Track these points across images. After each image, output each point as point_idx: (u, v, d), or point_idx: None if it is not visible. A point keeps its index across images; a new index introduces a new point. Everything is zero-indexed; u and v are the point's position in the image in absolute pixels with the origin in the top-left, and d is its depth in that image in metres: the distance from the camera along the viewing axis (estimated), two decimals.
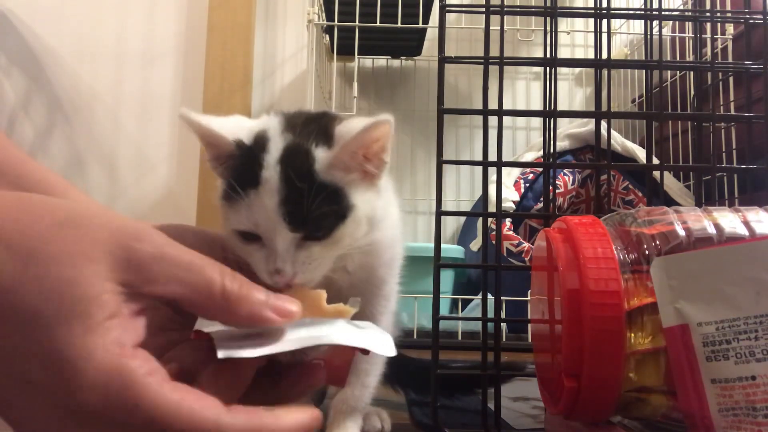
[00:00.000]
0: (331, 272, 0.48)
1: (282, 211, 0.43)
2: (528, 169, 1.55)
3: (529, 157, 1.57)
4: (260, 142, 0.46)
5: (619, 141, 1.51)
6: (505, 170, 1.42)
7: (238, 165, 0.46)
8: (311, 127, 0.47)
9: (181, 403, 0.30)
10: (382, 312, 0.57)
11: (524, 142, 1.92)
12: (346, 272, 0.51)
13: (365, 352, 0.38)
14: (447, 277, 1.52)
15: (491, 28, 0.64)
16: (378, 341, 0.38)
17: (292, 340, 0.35)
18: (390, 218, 0.54)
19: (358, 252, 0.50)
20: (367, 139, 0.46)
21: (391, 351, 0.38)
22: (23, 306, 0.29)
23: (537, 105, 1.94)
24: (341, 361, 0.39)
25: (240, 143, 0.46)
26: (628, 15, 1.22)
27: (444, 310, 1.49)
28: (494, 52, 0.65)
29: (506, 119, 0.66)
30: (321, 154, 0.45)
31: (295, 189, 0.43)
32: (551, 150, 0.68)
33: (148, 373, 0.30)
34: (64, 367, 0.28)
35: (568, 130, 1.56)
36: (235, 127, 0.47)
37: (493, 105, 0.64)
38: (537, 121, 1.88)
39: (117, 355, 0.29)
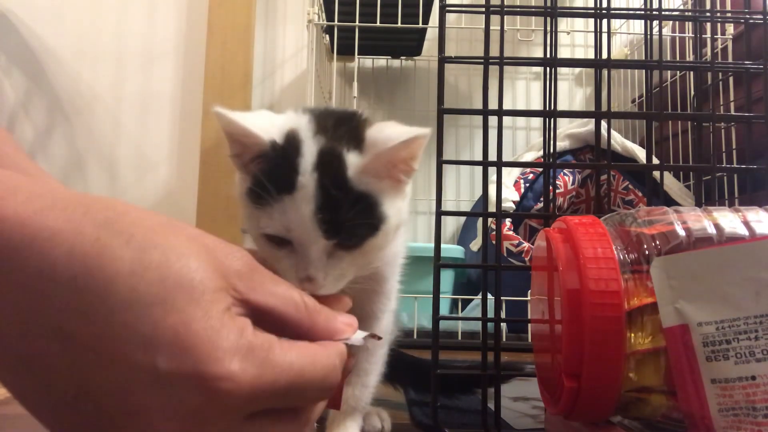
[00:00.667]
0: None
1: (318, 218, 0.42)
2: (528, 169, 1.55)
3: (529, 157, 1.57)
4: (293, 143, 0.45)
5: (619, 141, 1.51)
6: (505, 170, 1.43)
7: (272, 167, 0.44)
8: (342, 130, 0.46)
9: (299, 352, 0.31)
10: (382, 310, 0.56)
11: (524, 142, 1.93)
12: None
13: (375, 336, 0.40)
14: (447, 277, 1.52)
15: (491, 28, 0.64)
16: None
17: None
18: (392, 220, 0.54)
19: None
20: (403, 152, 0.46)
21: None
22: (146, 290, 0.28)
23: (537, 105, 1.94)
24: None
25: (275, 144, 0.45)
26: (628, 15, 1.22)
27: (444, 310, 1.49)
28: (494, 52, 0.65)
29: (506, 119, 0.66)
30: (353, 160, 0.44)
31: (331, 197, 0.43)
32: (551, 150, 0.68)
33: (272, 345, 0.30)
34: (203, 352, 0.28)
35: (568, 130, 1.56)
36: (267, 125, 0.46)
37: (493, 105, 0.64)
38: (537, 121, 1.88)
39: (246, 335, 0.29)
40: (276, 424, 0.32)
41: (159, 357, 0.27)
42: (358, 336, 0.37)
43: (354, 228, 0.43)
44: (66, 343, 0.27)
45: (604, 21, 0.68)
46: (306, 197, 0.42)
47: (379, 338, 0.38)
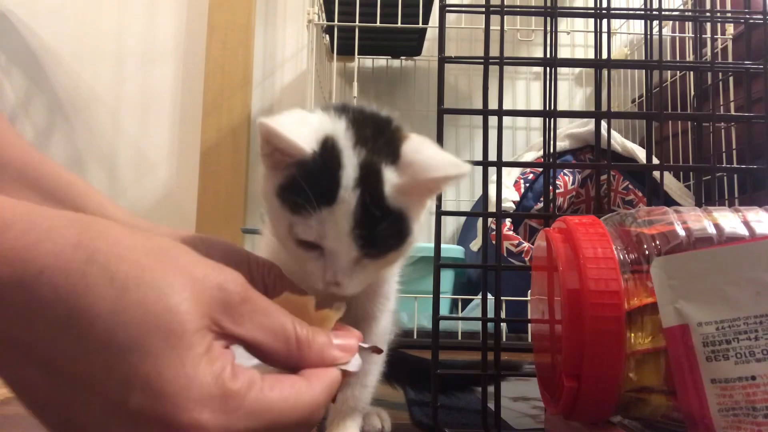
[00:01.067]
0: None
1: (355, 233, 0.43)
2: (528, 169, 1.55)
3: (529, 157, 1.57)
4: (333, 153, 0.44)
5: (619, 141, 1.51)
6: (505, 170, 1.42)
7: (312, 176, 0.44)
8: (381, 142, 0.46)
9: (282, 398, 0.31)
10: (381, 310, 0.56)
11: (524, 142, 1.92)
12: None
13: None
14: (447, 277, 1.52)
15: (491, 28, 0.64)
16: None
17: None
18: None
19: None
20: (437, 182, 0.46)
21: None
22: (123, 332, 0.28)
23: (537, 105, 1.94)
24: None
25: (315, 154, 0.44)
26: (628, 15, 1.22)
27: (444, 310, 1.49)
28: (494, 52, 0.65)
29: (506, 119, 0.66)
30: (390, 177, 0.44)
31: (369, 213, 0.43)
32: (551, 150, 0.68)
33: (249, 387, 0.31)
34: (173, 399, 0.28)
35: (568, 130, 1.56)
36: (306, 133, 0.45)
37: (493, 105, 0.64)
38: (537, 121, 1.88)
39: (222, 381, 0.29)
40: None
41: (132, 398, 0.28)
42: (354, 362, 0.37)
43: (384, 242, 0.45)
44: (54, 376, 0.28)
45: (604, 21, 0.68)
46: (346, 212, 0.43)
47: (380, 351, 0.40)
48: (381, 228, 0.44)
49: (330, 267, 0.44)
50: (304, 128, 0.46)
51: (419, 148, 0.46)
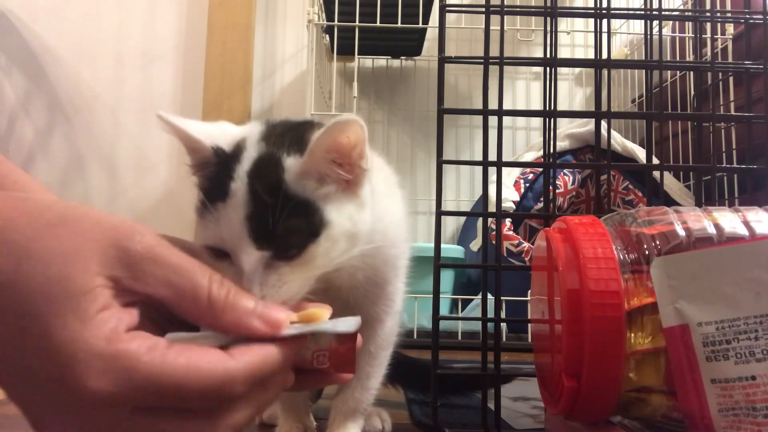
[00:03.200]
0: (332, 273, 0.46)
1: (247, 226, 0.40)
2: (528, 169, 1.55)
3: (529, 157, 1.57)
4: (237, 151, 0.43)
5: (619, 141, 1.51)
6: (505, 170, 1.42)
7: (212, 175, 0.43)
8: (288, 136, 0.44)
9: (188, 365, 0.31)
10: (386, 312, 0.56)
11: (524, 142, 1.93)
12: (348, 275, 0.50)
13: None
14: (447, 277, 1.52)
15: (491, 28, 0.64)
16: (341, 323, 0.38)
17: None
18: (391, 217, 0.53)
19: (361, 256, 0.48)
20: (332, 141, 0.42)
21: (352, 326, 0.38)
22: (18, 302, 0.30)
23: (537, 105, 1.94)
24: (345, 348, 0.39)
25: (218, 150, 0.43)
26: (628, 15, 1.22)
27: (444, 310, 1.49)
28: (494, 52, 0.65)
29: (506, 119, 0.66)
30: (291, 163, 0.42)
31: (261, 203, 0.40)
32: (551, 150, 0.68)
33: (148, 350, 0.31)
34: (65, 361, 0.29)
35: (568, 130, 1.56)
36: (218, 134, 0.45)
37: (493, 105, 0.64)
38: (537, 121, 1.88)
39: (115, 341, 0.30)
40: (169, 419, 0.32)
41: (41, 368, 0.30)
42: (293, 329, 0.36)
43: (288, 236, 0.41)
44: None
45: (604, 21, 0.68)
46: (236, 204, 0.40)
47: (351, 337, 0.38)
48: (277, 219, 0.40)
49: (237, 275, 0.41)
50: (214, 129, 0.45)
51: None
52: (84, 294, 0.30)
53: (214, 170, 0.43)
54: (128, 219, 0.34)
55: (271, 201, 0.40)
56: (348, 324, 0.38)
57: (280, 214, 0.40)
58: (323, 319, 0.40)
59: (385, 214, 0.51)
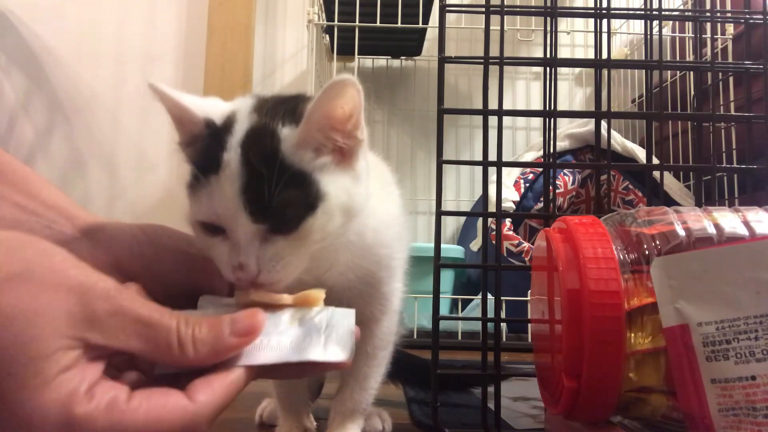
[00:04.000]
0: (317, 272, 0.46)
1: (242, 198, 0.39)
2: (528, 169, 1.55)
3: (529, 157, 1.57)
4: (228, 123, 0.42)
5: (619, 141, 1.51)
6: (505, 170, 1.42)
7: (204, 148, 0.42)
8: (280, 108, 0.43)
9: (147, 419, 0.31)
10: (382, 311, 0.55)
11: (524, 142, 1.93)
12: (333, 273, 0.49)
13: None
14: (447, 277, 1.52)
15: (491, 28, 0.64)
16: (321, 347, 0.38)
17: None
18: (384, 216, 0.52)
19: (347, 253, 0.48)
20: (330, 105, 0.41)
21: (331, 355, 0.37)
22: None
23: (537, 105, 1.94)
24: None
25: (210, 122, 0.42)
26: (628, 15, 1.22)
27: (444, 310, 1.49)
28: (494, 52, 0.65)
29: (506, 119, 0.66)
30: (287, 133, 0.41)
31: (256, 173, 0.39)
32: (551, 150, 0.68)
33: (107, 410, 0.30)
34: (21, 428, 0.29)
35: (568, 130, 1.56)
36: (209, 107, 0.44)
37: (493, 105, 0.64)
38: (537, 121, 1.88)
39: (72, 404, 0.30)
40: None
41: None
42: (275, 353, 0.36)
43: (285, 208, 0.40)
44: None
45: (604, 21, 0.68)
46: (230, 176, 0.39)
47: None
48: (274, 191, 0.39)
49: (232, 249, 0.40)
50: (206, 103, 0.44)
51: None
52: (45, 358, 0.30)
53: (205, 143, 0.42)
54: (93, 272, 0.33)
55: (267, 172, 0.39)
56: (339, 338, 0.38)
57: (276, 186, 0.39)
58: (319, 301, 0.40)
59: (377, 212, 0.50)
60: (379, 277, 0.52)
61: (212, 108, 0.44)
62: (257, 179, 0.39)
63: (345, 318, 0.40)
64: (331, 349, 0.37)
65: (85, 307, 0.31)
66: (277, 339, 0.37)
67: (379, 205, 0.51)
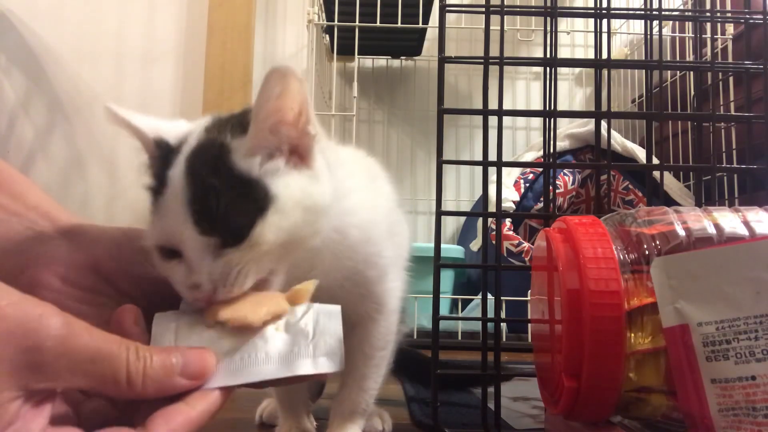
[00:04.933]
0: (299, 272, 0.44)
1: (188, 212, 0.38)
2: (528, 169, 1.55)
3: (529, 157, 1.57)
4: (180, 143, 0.41)
5: (619, 141, 1.51)
6: (505, 170, 1.42)
7: (154, 169, 0.41)
8: (230, 122, 0.42)
9: None
10: (378, 311, 0.53)
11: (524, 142, 1.93)
12: (324, 274, 0.47)
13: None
14: (447, 277, 1.52)
15: (491, 28, 0.64)
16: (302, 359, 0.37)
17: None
18: (368, 213, 0.50)
19: (327, 252, 0.47)
20: (275, 100, 0.39)
21: (317, 367, 0.37)
22: None
23: (537, 105, 1.94)
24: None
25: (160, 143, 0.41)
26: (628, 15, 1.22)
27: (444, 310, 1.49)
28: (494, 52, 0.65)
29: (506, 119, 0.66)
30: (236, 144, 0.40)
31: (200, 185, 0.38)
32: (551, 150, 0.68)
33: None
34: None
35: (568, 130, 1.56)
36: (167, 128, 0.43)
37: (493, 105, 0.64)
38: (537, 121, 1.88)
39: None
40: None
41: None
42: (227, 370, 0.35)
43: (232, 217, 0.38)
44: None
45: (604, 21, 0.68)
46: (174, 191, 0.38)
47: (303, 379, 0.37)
48: (219, 200, 0.38)
49: (186, 269, 0.39)
50: (161, 124, 0.43)
51: None
52: None
53: (156, 164, 0.41)
54: (35, 305, 0.31)
55: (212, 182, 0.38)
56: (301, 364, 0.37)
57: (223, 195, 0.38)
58: (309, 294, 0.39)
59: (361, 209, 0.49)
60: (368, 276, 0.51)
61: (171, 130, 0.43)
62: (202, 191, 0.38)
63: (331, 320, 0.39)
64: (321, 361, 0.37)
65: (27, 353, 0.30)
66: (264, 352, 0.37)
67: (363, 201, 0.49)
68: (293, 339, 0.37)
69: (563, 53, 1.93)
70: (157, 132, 0.42)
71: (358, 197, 0.48)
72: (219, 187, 0.38)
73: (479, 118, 0.65)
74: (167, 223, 0.39)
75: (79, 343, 0.31)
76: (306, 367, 0.37)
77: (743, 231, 0.42)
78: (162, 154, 0.41)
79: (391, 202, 0.56)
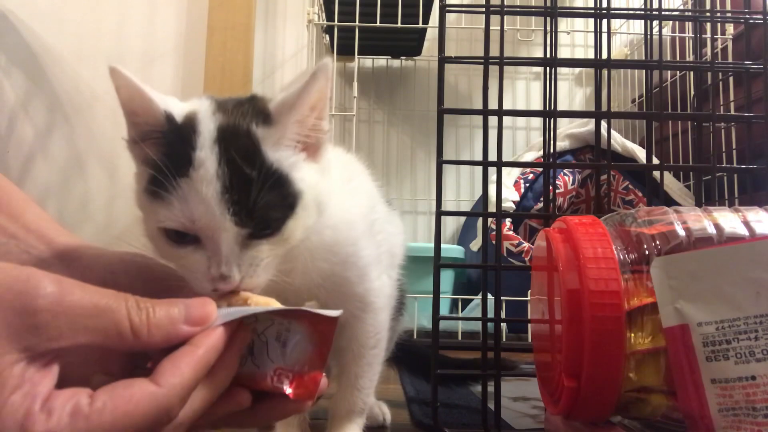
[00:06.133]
0: (284, 276, 0.43)
1: (225, 201, 0.36)
2: (528, 169, 1.55)
3: (529, 157, 1.57)
4: (190, 122, 0.40)
5: (619, 141, 1.51)
6: (505, 170, 1.43)
7: (168, 147, 0.39)
8: (245, 108, 0.41)
9: (114, 418, 0.30)
10: (362, 309, 0.52)
11: (524, 142, 1.93)
12: (302, 275, 0.47)
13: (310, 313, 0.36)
14: (447, 277, 1.52)
15: (491, 28, 0.64)
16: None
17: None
18: (344, 214, 0.49)
19: (307, 253, 0.46)
20: (314, 95, 0.40)
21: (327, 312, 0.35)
22: None
23: (537, 105, 1.94)
24: (309, 377, 0.36)
25: (170, 117, 0.40)
26: (628, 15, 1.22)
27: (444, 310, 1.49)
28: (494, 52, 0.65)
29: (506, 119, 0.66)
30: (263, 132, 0.39)
31: (239, 174, 0.37)
32: (551, 150, 0.68)
33: (70, 419, 0.29)
34: None
35: (568, 130, 1.56)
36: (168, 102, 0.42)
37: (493, 105, 0.64)
38: (537, 121, 1.88)
39: (30, 425, 0.28)
40: None
41: None
42: (227, 312, 0.34)
43: (269, 211, 0.38)
44: None
45: (604, 21, 0.68)
46: (207, 176, 0.37)
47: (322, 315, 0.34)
48: (258, 192, 0.37)
49: (212, 258, 0.37)
50: (166, 98, 0.42)
51: (283, 95, 0.41)
52: None
53: (167, 141, 0.39)
54: (17, 268, 0.30)
55: (250, 172, 0.37)
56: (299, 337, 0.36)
57: (261, 186, 0.37)
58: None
59: (337, 209, 0.48)
60: (347, 277, 0.50)
61: (171, 104, 0.42)
62: (242, 181, 0.37)
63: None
64: (314, 307, 0.36)
65: (23, 315, 0.29)
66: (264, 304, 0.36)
67: (339, 202, 0.48)
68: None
69: (563, 53, 1.93)
70: (167, 105, 0.41)
71: (335, 199, 0.47)
72: (256, 179, 0.37)
73: (479, 118, 0.65)
74: (195, 208, 0.37)
75: (75, 300, 0.30)
76: (263, 308, 0.35)
77: (743, 231, 0.42)
78: (173, 129, 0.39)
79: (372, 200, 0.55)
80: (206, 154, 0.37)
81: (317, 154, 0.43)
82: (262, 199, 0.37)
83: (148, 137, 0.40)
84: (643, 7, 0.75)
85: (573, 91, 2.01)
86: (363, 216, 0.52)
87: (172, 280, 0.40)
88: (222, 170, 0.37)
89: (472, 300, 1.45)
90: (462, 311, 1.47)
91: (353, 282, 0.51)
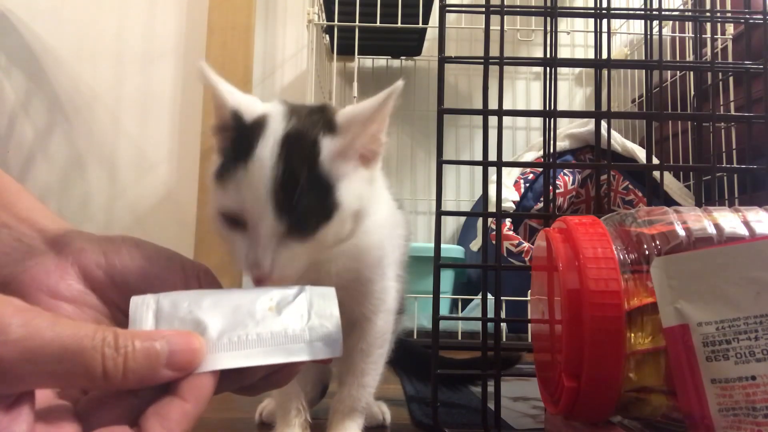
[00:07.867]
0: (315, 274, 0.46)
1: (272, 194, 0.40)
2: (528, 169, 1.55)
3: (529, 157, 1.57)
4: (260, 121, 0.44)
5: (619, 141, 1.51)
6: (505, 170, 1.43)
7: (235, 140, 0.44)
8: (316, 116, 0.45)
9: None
10: (374, 311, 0.55)
11: (524, 142, 1.93)
12: (330, 275, 0.49)
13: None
14: (447, 277, 1.52)
15: (491, 28, 0.64)
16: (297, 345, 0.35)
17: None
18: (376, 219, 0.51)
19: (343, 256, 0.48)
20: (380, 116, 0.45)
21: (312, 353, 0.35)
22: None
23: (537, 105, 1.94)
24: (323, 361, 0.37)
25: (237, 113, 0.44)
26: (628, 15, 1.22)
27: (444, 310, 1.49)
28: (494, 52, 0.65)
29: (506, 119, 0.66)
30: (327, 143, 0.43)
31: (290, 174, 0.41)
32: (551, 150, 0.68)
33: None
34: None
35: (568, 130, 1.56)
36: (243, 101, 0.45)
37: (493, 105, 0.64)
38: (537, 121, 1.88)
39: None
40: None
41: None
42: (213, 359, 0.32)
43: (308, 212, 0.41)
44: None
45: (604, 21, 0.68)
46: (263, 171, 0.41)
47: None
48: (303, 193, 0.41)
49: (251, 245, 0.41)
50: (239, 95, 0.46)
51: (350, 107, 0.46)
52: None
53: (235, 134, 0.44)
54: None
55: (301, 177, 0.41)
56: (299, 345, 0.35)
57: (307, 187, 0.41)
58: None
59: (372, 212, 0.49)
60: (369, 276, 0.53)
61: (247, 103, 0.45)
62: (290, 183, 0.40)
63: (327, 302, 0.37)
64: (317, 346, 0.35)
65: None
66: (256, 333, 0.34)
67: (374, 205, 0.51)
68: (287, 320, 0.35)
69: (563, 53, 1.93)
70: (238, 104, 0.45)
71: (374, 205, 0.50)
72: (305, 185, 0.41)
73: (479, 118, 0.65)
74: (247, 196, 0.41)
75: (42, 344, 0.29)
76: (301, 352, 0.34)
77: (743, 231, 0.42)
78: (239, 125, 0.44)
79: (392, 207, 0.58)
80: (267, 151, 0.41)
81: (371, 162, 0.46)
82: (303, 202, 0.41)
83: (222, 130, 0.45)
84: (643, 7, 0.75)
85: (573, 91, 2.01)
86: (386, 219, 0.55)
87: (162, 260, 0.40)
88: (277, 168, 0.41)
89: (472, 300, 1.46)
90: (462, 311, 1.47)
91: (374, 281, 0.54)
